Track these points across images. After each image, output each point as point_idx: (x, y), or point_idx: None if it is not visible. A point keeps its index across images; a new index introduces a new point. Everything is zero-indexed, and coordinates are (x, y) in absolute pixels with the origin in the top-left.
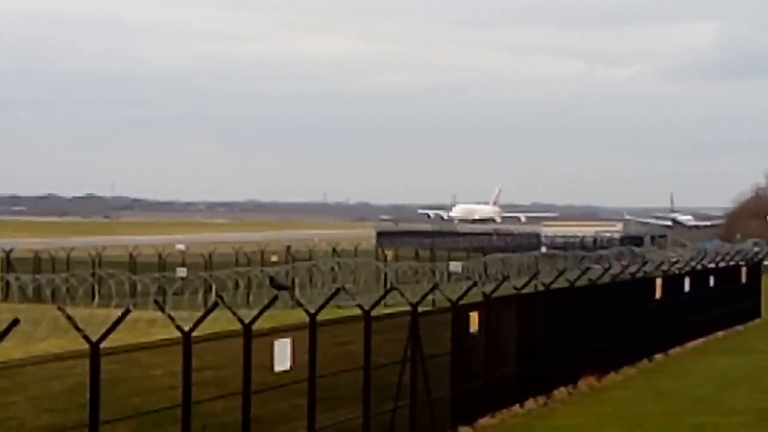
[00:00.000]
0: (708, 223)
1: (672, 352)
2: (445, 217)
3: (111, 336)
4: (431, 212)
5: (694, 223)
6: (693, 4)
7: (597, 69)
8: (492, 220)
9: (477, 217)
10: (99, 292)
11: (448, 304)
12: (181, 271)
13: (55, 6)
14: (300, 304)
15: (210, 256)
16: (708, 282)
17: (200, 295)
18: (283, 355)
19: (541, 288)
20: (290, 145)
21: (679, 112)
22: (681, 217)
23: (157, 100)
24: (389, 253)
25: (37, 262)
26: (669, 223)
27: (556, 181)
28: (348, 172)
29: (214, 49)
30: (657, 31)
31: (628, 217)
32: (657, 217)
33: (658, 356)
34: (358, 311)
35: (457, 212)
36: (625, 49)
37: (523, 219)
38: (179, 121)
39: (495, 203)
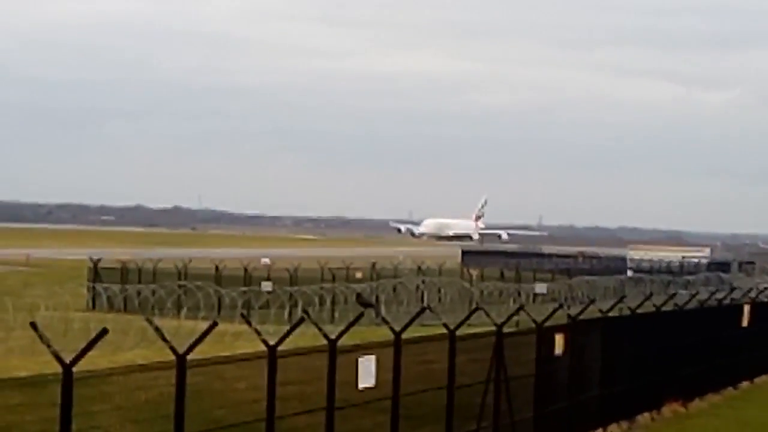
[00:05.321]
0: None
1: (758, 380)
2: (416, 233)
3: (197, 348)
4: (402, 226)
5: None
6: None
7: (694, 92)
8: (468, 237)
9: (451, 234)
10: (186, 304)
11: (533, 326)
12: (267, 286)
13: (154, 19)
14: (385, 322)
15: (295, 270)
16: None
17: (286, 310)
18: (367, 372)
19: (626, 312)
20: (378, 161)
21: None
22: None
23: (247, 114)
24: (474, 273)
25: (125, 273)
26: None
27: (643, 204)
28: (435, 190)
29: (308, 64)
30: (758, 55)
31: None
32: None
33: (744, 384)
34: (443, 330)
35: (426, 227)
36: (724, 74)
37: (504, 236)
38: (268, 135)
39: (478, 218)
